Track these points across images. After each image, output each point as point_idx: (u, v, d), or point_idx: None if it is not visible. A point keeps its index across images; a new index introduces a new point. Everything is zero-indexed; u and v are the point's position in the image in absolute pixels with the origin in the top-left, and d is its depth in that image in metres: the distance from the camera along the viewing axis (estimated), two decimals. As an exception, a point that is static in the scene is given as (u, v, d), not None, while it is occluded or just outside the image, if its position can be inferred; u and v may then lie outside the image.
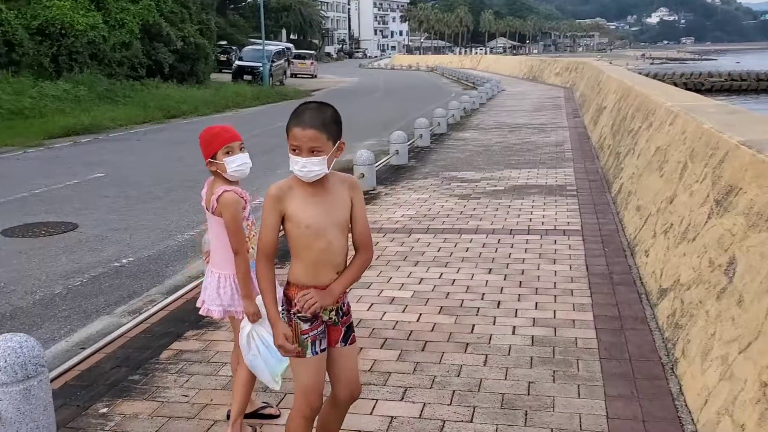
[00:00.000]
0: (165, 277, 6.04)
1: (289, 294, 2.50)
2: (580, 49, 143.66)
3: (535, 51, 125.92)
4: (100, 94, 19.36)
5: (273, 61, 34.43)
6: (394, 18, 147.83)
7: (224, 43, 43.18)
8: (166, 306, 4.97)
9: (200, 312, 3.23)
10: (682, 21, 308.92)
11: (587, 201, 8.05)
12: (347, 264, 2.56)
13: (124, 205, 8.74)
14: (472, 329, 4.42)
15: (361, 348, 4.12)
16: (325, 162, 2.41)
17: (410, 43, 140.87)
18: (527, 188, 8.90)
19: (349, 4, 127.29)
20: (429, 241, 6.53)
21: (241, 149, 3.03)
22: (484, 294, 5.06)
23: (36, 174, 10.84)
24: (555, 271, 5.55)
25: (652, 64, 58.39)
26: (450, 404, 3.50)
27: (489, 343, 4.21)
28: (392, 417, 3.38)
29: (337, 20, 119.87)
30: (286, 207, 2.44)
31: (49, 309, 5.32)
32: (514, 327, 4.44)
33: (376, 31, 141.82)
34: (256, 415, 3.37)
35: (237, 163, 3.00)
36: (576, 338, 4.24)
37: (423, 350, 4.12)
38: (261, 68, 32.07)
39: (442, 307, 4.83)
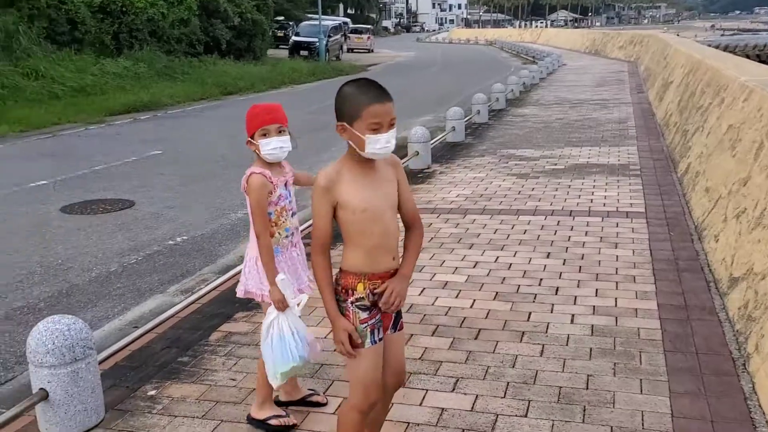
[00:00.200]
0: (217, 256, 6.03)
1: (345, 283, 2.38)
2: (645, 21, 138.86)
3: (598, 24, 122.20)
4: (159, 71, 19.61)
5: (329, 37, 34.30)
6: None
7: (281, 18, 43.22)
8: (217, 286, 4.95)
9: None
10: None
11: (651, 181, 7.70)
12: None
13: (180, 182, 8.80)
14: (529, 317, 4.25)
15: (412, 335, 4.01)
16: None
17: (469, 17, 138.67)
18: (588, 167, 8.58)
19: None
20: (485, 223, 6.35)
21: (279, 132, 2.93)
22: (541, 279, 4.87)
23: (96, 151, 11.04)
24: (617, 256, 5.30)
25: (722, 35, 55.89)
26: (504, 397, 3.35)
27: (546, 332, 4.03)
28: (443, 409, 3.26)
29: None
30: (338, 195, 2.32)
31: (104, 287, 5.36)
32: (573, 315, 4.24)
33: (434, 4, 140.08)
34: (303, 402, 3.30)
35: (271, 146, 2.90)
36: (638, 329, 4.03)
37: (476, 338, 3.98)
38: (317, 44, 32.00)
39: (497, 292, 4.66)
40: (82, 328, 3.16)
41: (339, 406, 3.30)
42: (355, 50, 45.31)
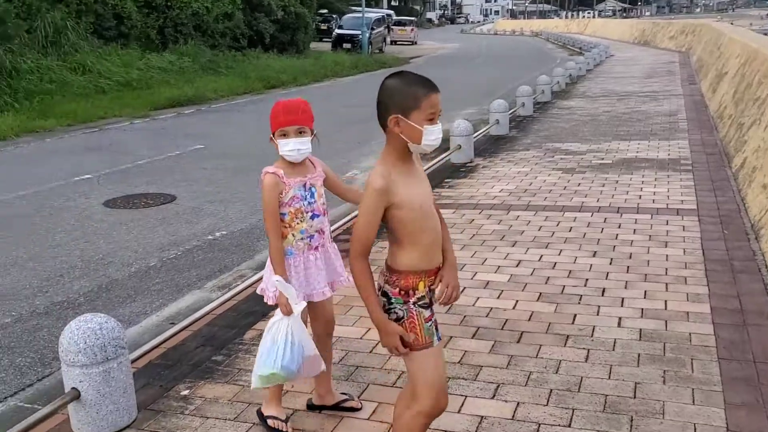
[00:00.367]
0: (255, 251, 5.98)
1: (406, 284, 2.31)
2: (698, 9, 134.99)
3: (647, 13, 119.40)
4: (203, 66, 19.77)
5: (372, 29, 34.17)
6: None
7: (325, 11, 43.27)
8: (254, 282, 4.87)
9: None
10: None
11: (704, 177, 7.40)
12: None
13: (221, 177, 8.80)
14: (574, 320, 4.08)
15: (451, 337, 3.88)
16: None
17: (514, 8, 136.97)
18: (637, 162, 8.30)
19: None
20: (529, 219, 6.16)
21: (300, 133, 2.85)
22: (587, 280, 4.68)
23: (140, 145, 11.14)
24: (666, 256, 5.07)
25: (778, 24, 53.98)
26: (546, 405, 3.20)
27: (592, 336, 3.86)
28: (482, 417, 3.12)
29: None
30: (393, 195, 2.24)
31: (143, 282, 5.36)
32: (620, 318, 4.06)
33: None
34: (337, 407, 3.20)
35: (288, 148, 2.85)
36: (690, 334, 3.82)
37: (518, 342, 3.82)
38: (360, 36, 31.92)
39: (541, 293, 4.49)
40: (114, 327, 3.11)
41: (374, 411, 3.20)
42: (398, 42, 45.13)
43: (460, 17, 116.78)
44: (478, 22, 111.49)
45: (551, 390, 3.32)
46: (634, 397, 3.22)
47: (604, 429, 2.99)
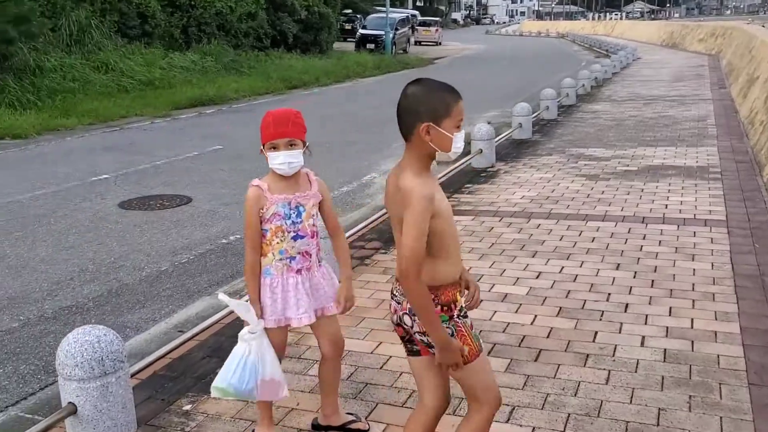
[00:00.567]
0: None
1: (447, 298, 2.26)
2: (728, 11, 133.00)
3: (677, 15, 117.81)
4: (226, 65, 19.75)
5: (396, 30, 34.01)
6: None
7: (349, 11, 43.20)
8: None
9: None
10: None
11: (734, 186, 7.15)
12: None
13: (238, 179, 8.69)
14: (594, 337, 3.90)
15: (465, 354, 3.71)
16: None
17: (540, 9, 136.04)
18: (663, 169, 8.06)
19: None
20: (550, 228, 5.98)
21: (290, 146, 2.71)
22: (609, 294, 4.49)
23: (160, 145, 11.10)
24: (693, 270, 4.87)
25: (811, 27, 52.82)
26: (563, 431, 3.03)
27: (613, 355, 3.67)
28: (495, 442, 2.96)
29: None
30: (436, 204, 2.18)
31: (153, 287, 5.26)
32: (644, 337, 3.87)
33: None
34: (344, 429, 3.06)
35: (278, 161, 2.72)
36: (718, 355, 3.62)
37: (536, 360, 3.66)
38: (384, 37, 31.78)
39: (561, 308, 4.32)
40: (113, 340, 3.00)
41: (384, 430, 3.05)
42: (422, 43, 44.91)
43: (485, 18, 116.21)
44: (504, 23, 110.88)
45: (569, 414, 3.15)
46: (657, 425, 3.04)
47: (624, 459, 2.82)
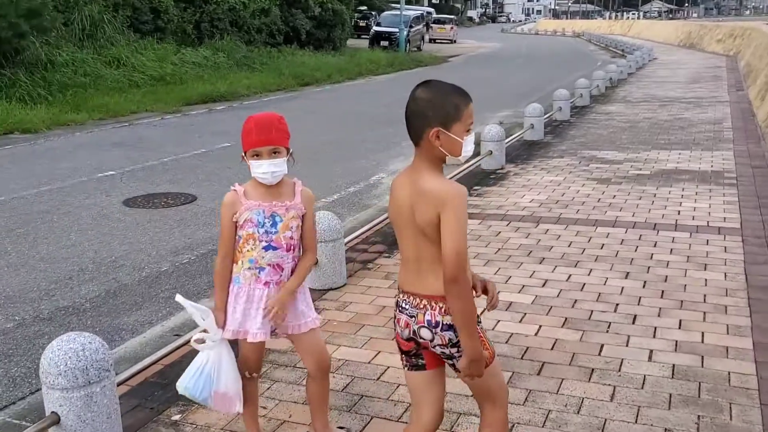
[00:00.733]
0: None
1: None
2: (748, 12, 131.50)
3: (695, 15, 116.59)
4: (238, 61, 19.68)
5: (411, 27, 33.83)
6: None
7: (364, 8, 43.05)
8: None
9: None
10: None
11: (749, 192, 6.97)
12: None
13: (244, 177, 8.56)
14: (600, 350, 3.76)
15: (465, 366, 3.59)
16: None
17: (557, 7, 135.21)
18: (677, 173, 7.89)
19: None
20: (559, 234, 5.84)
21: (273, 154, 2.59)
22: (617, 305, 4.35)
23: (168, 141, 11.03)
24: (705, 280, 4.71)
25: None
26: (564, 451, 2.90)
27: (619, 370, 3.54)
28: (492, 462, 2.83)
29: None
30: None
31: (152, 288, 5.18)
32: (651, 351, 3.73)
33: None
34: (332, 442, 2.94)
35: (261, 170, 2.61)
36: (729, 373, 3.48)
37: (539, 374, 3.53)
38: (398, 34, 31.63)
39: (566, 318, 4.18)
40: (98, 348, 2.90)
41: (375, 448, 2.94)
42: (437, 41, 44.72)
43: (501, 16, 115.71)
44: (520, 21, 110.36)
45: (571, 433, 3.02)
46: (664, 446, 2.91)
47: (627, 483, 2.69)
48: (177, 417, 3.26)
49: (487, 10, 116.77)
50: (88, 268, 5.56)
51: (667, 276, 4.81)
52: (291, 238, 2.65)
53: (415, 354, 2.28)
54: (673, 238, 5.63)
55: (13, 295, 5.01)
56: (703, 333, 3.93)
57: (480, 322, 2.20)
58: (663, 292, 4.54)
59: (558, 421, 3.11)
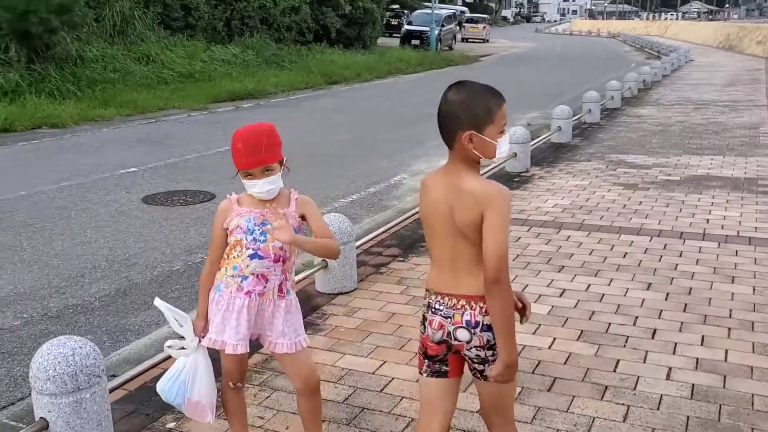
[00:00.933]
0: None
1: None
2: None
3: (735, 16, 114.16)
4: (267, 59, 19.69)
5: (443, 26, 33.64)
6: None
7: (396, 7, 42.93)
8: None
9: None
10: None
11: (783, 201, 6.70)
12: None
13: (264, 175, 8.55)
14: (616, 366, 3.59)
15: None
16: None
17: (593, 7, 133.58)
18: (708, 180, 7.62)
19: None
20: (580, 241, 5.65)
21: (266, 171, 2.47)
22: (637, 318, 4.17)
23: (193, 139, 11.04)
24: (732, 294, 4.50)
25: None
26: (571, 475, 2.75)
27: (634, 388, 3.36)
28: (493, 485, 2.69)
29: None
30: None
31: (163, 287, 5.12)
32: (670, 369, 3.54)
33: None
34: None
35: (256, 189, 2.50)
36: (752, 395, 3.28)
37: (549, 390, 3.37)
38: (429, 32, 31.43)
39: (582, 331, 4.01)
40: (89, 354, 2.82)
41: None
42: (469, 40, 44.40)
43: (536, 16, 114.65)
44: (555, 21, 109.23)
45: (579, 456, 2.86)
46: (678, 473, 2.74)
47: None
48: (172, 425, 3.17)
49: (522, 10, 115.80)
50: (101, 265, 5.53)
51: (691, 288, 4.60)
52: (281, 248, 2.53)
53: (440, 360, 2.21)
54: (700, 248, 5.41)
55: (24, 292, 4.99)
56: (726, 351, 3.73)
57: None
58: (686, 305, 4.34)
59: (566, 442, 2.95)
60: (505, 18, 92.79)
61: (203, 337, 2.64)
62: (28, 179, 8.22)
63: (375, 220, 6.75)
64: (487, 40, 45.65)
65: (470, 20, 47.74)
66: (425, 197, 2.19)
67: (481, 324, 2.10)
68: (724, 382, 3.41)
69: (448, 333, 2.15)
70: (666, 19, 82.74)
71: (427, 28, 31.62)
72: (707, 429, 3.02)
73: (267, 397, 3.36)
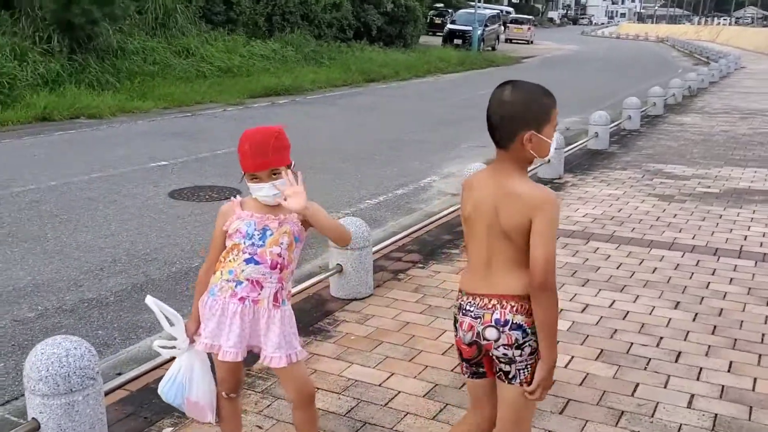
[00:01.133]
0: (303, 261, 5.57)
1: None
2: None
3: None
4: (306, 55, 19.70)
5: (486, 26, 33.32)
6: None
7: (441, 5, 42.67)
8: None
9: None
10: None
11: (828, 219, 6.38)
12: None
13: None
14: (634, 390, 3.41)
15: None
16: None
17: (642, 11, 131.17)
18: (749, 193, 7.32)
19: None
20: (609, 253, 5.45)
21: (273, 175, 2.38)
22: (661, 339, 3.97)
23: (226, 134, 11.04)
24: (766, 317, 4.27)
25: None
26: (576, 507, 2.60)
27: (652, 416, 3.19)
28: None
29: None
30: None
31: (179, 284, 5.08)
32: (692, 396, 3.35)
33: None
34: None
35: (262, 193, 2.42)
36: (780, 429, 3.08)
37: (561, 413, 3.21)
38: (471, 32, 31.15)
39: (602, 350, 3.84)
40: (83, 355, 2.76)
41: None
42: (513, 41, 43.94)
43: (583, 18, 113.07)
44: (602, 24, 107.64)
45: (586, 487, 2.71)
46: None
47: None
48: (169, 430, 3.10)
49: (569, 12, 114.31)
50: (121, 259, 5.52)
51: (722, 309, 4.38)
52: (279, 255, 2.43)
53: (476, 362, 2.23)
54: (735, 266, 5.16)
55: (42, 284, 5.00)
56: (755, 379, 3.52)
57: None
58: (715, 327, 4.13)
59: (574, 471, 2.80)
60: (551, 19, 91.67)
61: (195, 341, 2.57)
62: (59, 169, 8.30)
63: (400, 223, 6.63)
64: (532, 42, 45.11)
65: (515, 21, 47.24)
66: (469, 196, 2.18)
67: (510, 322, 2.10)
68: (750, 413, 3.21)
69: (477, 333, 2.16)
70: (718, 24, 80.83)
71: (470, 28, 31.33)
72: (727, 464, 2.84)
73: (268, 406, 3.27)
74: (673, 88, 15.36)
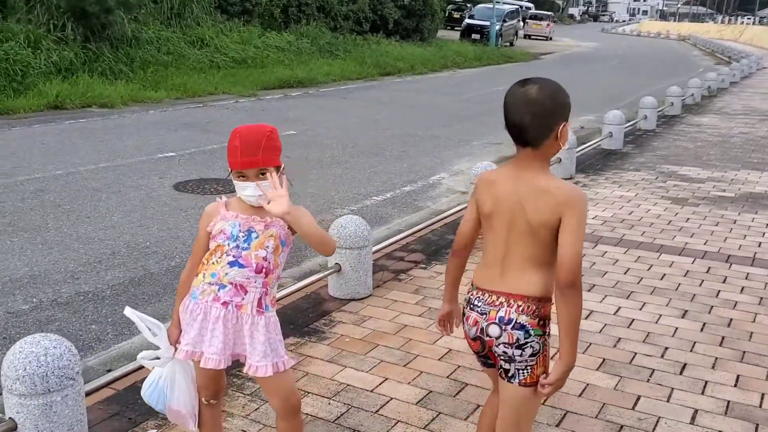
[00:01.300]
0: (304, 258, 5.48)
1: (545, 312, 2.13)
2: None
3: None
4: (321, 48, 19.58)
5: (504, 21, 33.05)
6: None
7: (460, 0, 42.39)
8: (287, 295, 4.37)
9: None
10: None
11: None
12: None
13: (299, 168, 8.40)
14: (635, 403, 3.29)
15: (478, 405, 3.20)
16: None
17: (665, 8, 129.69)
18: (765, 198, 7.14)
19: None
20: (617, 258, 5.31)
21: (260, 175, 2.27)
22: (666, 349, 3.84)
23: (235, 125, 10.86)
24: (777, 329, 4.12)
25: None
26: None
27: (652, 431, 3.06)
28: None
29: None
30: None
31: (177, 279, 4.91)
32: (696, 412, 3.22)
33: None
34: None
35: (248, 193, 2.31)
36: (787, 449, 2.95)
37: (558, 425, 3.10)
38: (490, 27, 30.89)
39: (604, 359, 3.71)
40: (62, 354, 2.68)
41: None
42: (532, 37, 43.61)
43: (604, 15, 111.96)
44: (623, 21, 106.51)
45: (579, 506, 2.59)
46: None
47: None
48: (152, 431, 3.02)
49: (590, 9, 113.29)
50: (121, 252, 5.46)
51: (731, 319, 4.24)
52: (264, 258, 2.33)
53: (483, 355, 2.25)
54: (748, 274, 5.01)
55: (39, 275, 4.94)
56: (763, 395, 3.38)
57: (549, 336, 2.15)
58: (723, 338, 3.99)
59: (567, 489, 2.69)
60: (571, 16, 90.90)
61: (178, 347, 2.47)
62: (67, 158, 8.27)
63: (405, 221, 6.52)
64: (551, 38, 44.72)
65: (534, 17, 46.89)
66: (489, 191, 2.16)
67: (514, 322, 2.09)
68: (757, 431, 3.08)
69: (481, 329, 2.16)
70: (742, 23, 79.76)
71: (488, 23, 31.08)
72: (729, 486, 2.72)
73: (255, 410, 3.18)
74: (692, 88, 15.11)
